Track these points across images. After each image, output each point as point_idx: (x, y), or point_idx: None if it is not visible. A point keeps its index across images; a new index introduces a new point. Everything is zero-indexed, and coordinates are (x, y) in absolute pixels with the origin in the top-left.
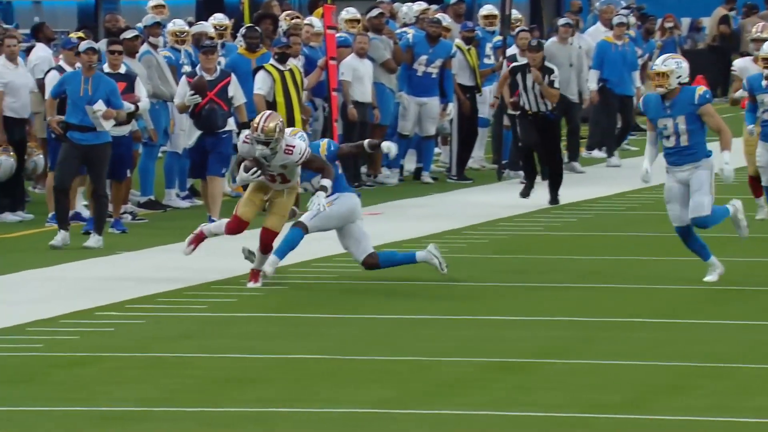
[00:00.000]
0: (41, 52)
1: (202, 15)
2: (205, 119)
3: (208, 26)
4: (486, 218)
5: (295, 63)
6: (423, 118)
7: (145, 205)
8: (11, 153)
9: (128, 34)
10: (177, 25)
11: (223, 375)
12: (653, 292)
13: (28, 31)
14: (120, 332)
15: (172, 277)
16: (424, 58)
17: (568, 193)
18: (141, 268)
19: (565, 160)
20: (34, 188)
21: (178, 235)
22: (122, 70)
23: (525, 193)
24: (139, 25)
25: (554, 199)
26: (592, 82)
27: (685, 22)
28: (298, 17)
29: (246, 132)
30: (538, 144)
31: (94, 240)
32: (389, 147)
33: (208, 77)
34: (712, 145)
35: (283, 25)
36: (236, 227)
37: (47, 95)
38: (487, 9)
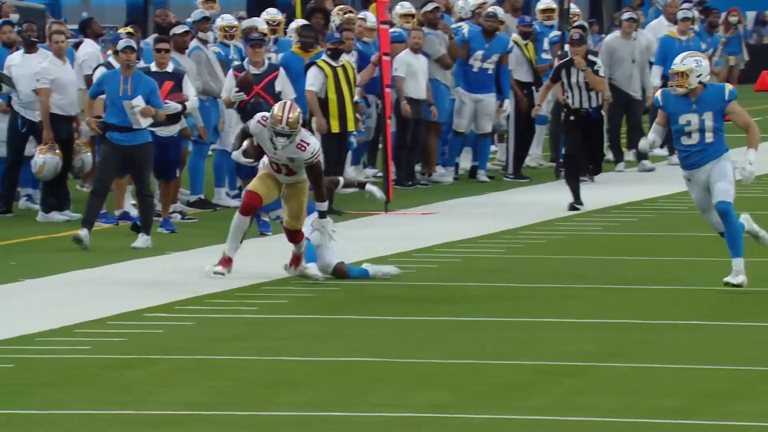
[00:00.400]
0: (89, 48)
1: (253, 10)
2: (251, 114)
3: (258, 21)
4: (544, 218)
5: (348, 59)
6: (479, 114)
7: (194, 204)
8: (56, 151)
9: (178, 30)
10: (226, 20)
11: (273, 378)
12: (712, 294)
13: (76, 26)
14: (169, 334)
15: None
16: (480, 53)
17: (628, 192)
18: (190, 268)
19: (629, 157)
20: (82, 187)
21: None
22: (170, 68)
23: (576, 204)
24: (189, 20)
25: (597, 168)
26: (655, 77)
27: (750, 15)
28: (351, 12)
29: (263, 114)
30: (582, 149)
31: (142, 240)
32: (371, 191)
33: (255, 71)
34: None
35: (336, 19)
36: (249, 202)
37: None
38: (544, 3)
